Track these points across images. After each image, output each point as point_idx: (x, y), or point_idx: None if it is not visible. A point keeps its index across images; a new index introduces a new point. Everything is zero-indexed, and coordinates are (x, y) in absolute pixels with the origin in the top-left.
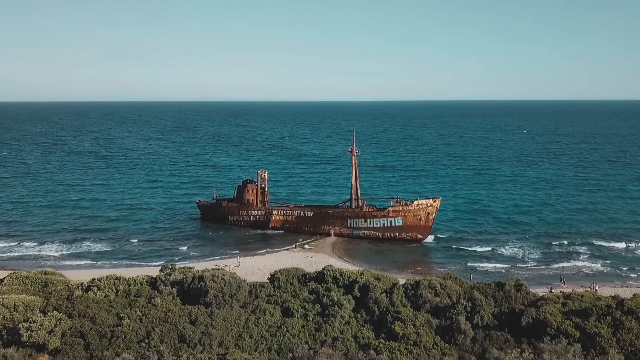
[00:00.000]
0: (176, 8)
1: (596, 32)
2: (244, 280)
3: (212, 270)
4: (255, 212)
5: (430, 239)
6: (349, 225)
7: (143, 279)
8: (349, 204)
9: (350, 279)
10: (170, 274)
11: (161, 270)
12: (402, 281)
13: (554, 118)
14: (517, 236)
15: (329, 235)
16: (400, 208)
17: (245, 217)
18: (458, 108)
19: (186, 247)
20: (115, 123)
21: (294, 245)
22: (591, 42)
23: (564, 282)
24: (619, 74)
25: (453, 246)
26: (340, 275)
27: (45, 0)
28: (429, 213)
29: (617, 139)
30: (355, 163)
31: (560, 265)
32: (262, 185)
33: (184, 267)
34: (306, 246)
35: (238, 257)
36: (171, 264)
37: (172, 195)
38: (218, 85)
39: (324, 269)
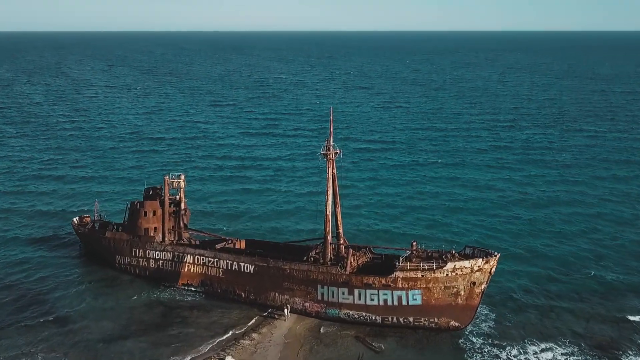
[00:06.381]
0: None
1: None
2: None
3: None
4: (157, 254)
5: (476, 326)
6: (319, 296)
7: None
8: (324, 246)
9: None
10: None
11: None
12: None
13: (575, 54)
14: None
15: (282, 313)
16: (420, 274)
17: (141, 260)
18: (460, 40)
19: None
20: (88, 61)
21: (207, 349)
22: None
23: None
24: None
25: (522, 347)
26: None
27: None
28: (474, 283)
29: None
30: (333, 174)
31: None
32: (176, 198)
33: None
34: (232, 352)
35: None
36: None
37: (62, 198)
38: (229, 14)
39: None
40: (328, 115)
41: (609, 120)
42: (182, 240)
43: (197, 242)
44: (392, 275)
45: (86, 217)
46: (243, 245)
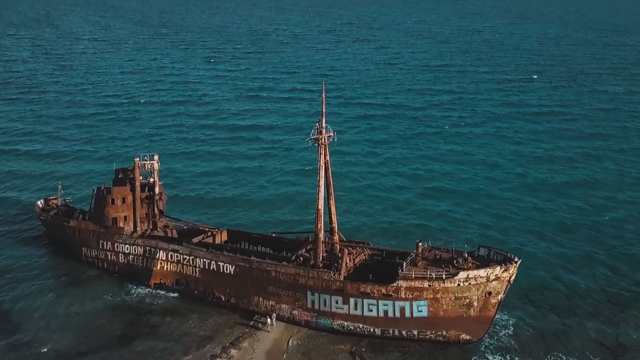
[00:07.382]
0: None
1: None
2: None
3: None
4: (126, 247)
5: (492, 337)
6: (309, 304)
7: None
8: (315, 245)
9: None
10: None
11: None
12: None
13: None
14: None
15: (266, 321)
16: (427, 284)
17: (109, 254)
18: None
19: None
20: (80, 11)
21: None
22: None
23: None
24: None
25: None
26: None
27: None
28: (489, 292)
29: None
30: (326, 161)
31: None
32: (150, 182)
33: None
34: None
35: None
36: None
37: (32, 178)
38: None
39: None
40: (328, 73)
41: (627, 79)
42: (157, 230)
43: (174, 233)
44: (394, 284)
45: (53, 199)
46: (225, 236)
